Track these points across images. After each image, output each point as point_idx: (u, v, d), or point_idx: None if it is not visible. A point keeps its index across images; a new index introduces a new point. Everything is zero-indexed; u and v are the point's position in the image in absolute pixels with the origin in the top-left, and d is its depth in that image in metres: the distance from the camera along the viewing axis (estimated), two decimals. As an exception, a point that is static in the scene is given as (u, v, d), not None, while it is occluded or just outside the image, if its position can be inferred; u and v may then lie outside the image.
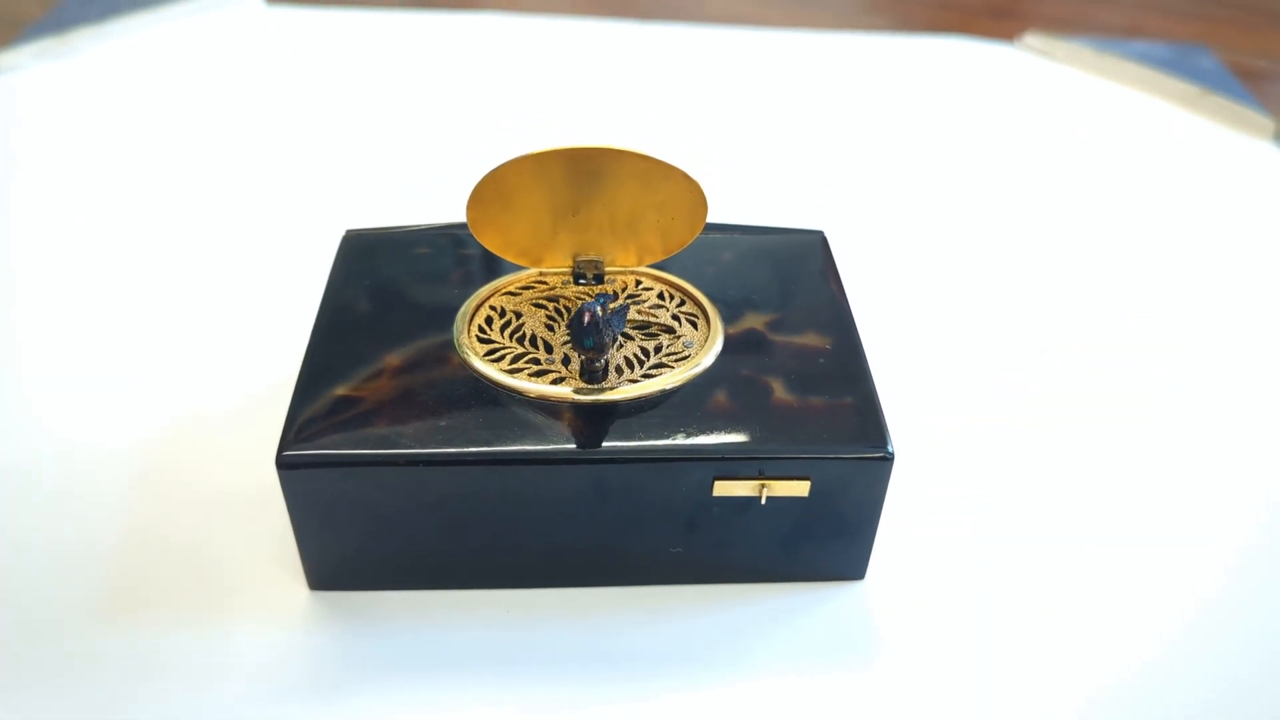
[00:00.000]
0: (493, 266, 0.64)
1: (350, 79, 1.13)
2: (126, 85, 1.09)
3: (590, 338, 0.53)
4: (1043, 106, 1.13)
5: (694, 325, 0.60)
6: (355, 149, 1.00)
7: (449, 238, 0.67)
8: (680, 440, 0.53)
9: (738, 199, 0.93)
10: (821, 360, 0.58)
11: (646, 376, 0.56)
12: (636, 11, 1.35)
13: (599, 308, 0.53)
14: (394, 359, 0.57)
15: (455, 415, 0.54)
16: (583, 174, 0.57)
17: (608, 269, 0.63)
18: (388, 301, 0.61)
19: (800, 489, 0.54)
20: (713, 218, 0.67)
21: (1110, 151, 1.05)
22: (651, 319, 0.60)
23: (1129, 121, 1.11)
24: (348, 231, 0.67)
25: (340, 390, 0.55)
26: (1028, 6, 1.44)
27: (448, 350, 0.58)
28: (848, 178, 0.99)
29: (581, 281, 0.62)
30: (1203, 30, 1.37)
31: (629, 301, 0.61)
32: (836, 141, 1.05)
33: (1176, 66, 1.21)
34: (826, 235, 0.69)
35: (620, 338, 0.59)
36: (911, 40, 1.27)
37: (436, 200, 0.83)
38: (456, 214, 0.64)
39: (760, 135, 1.05)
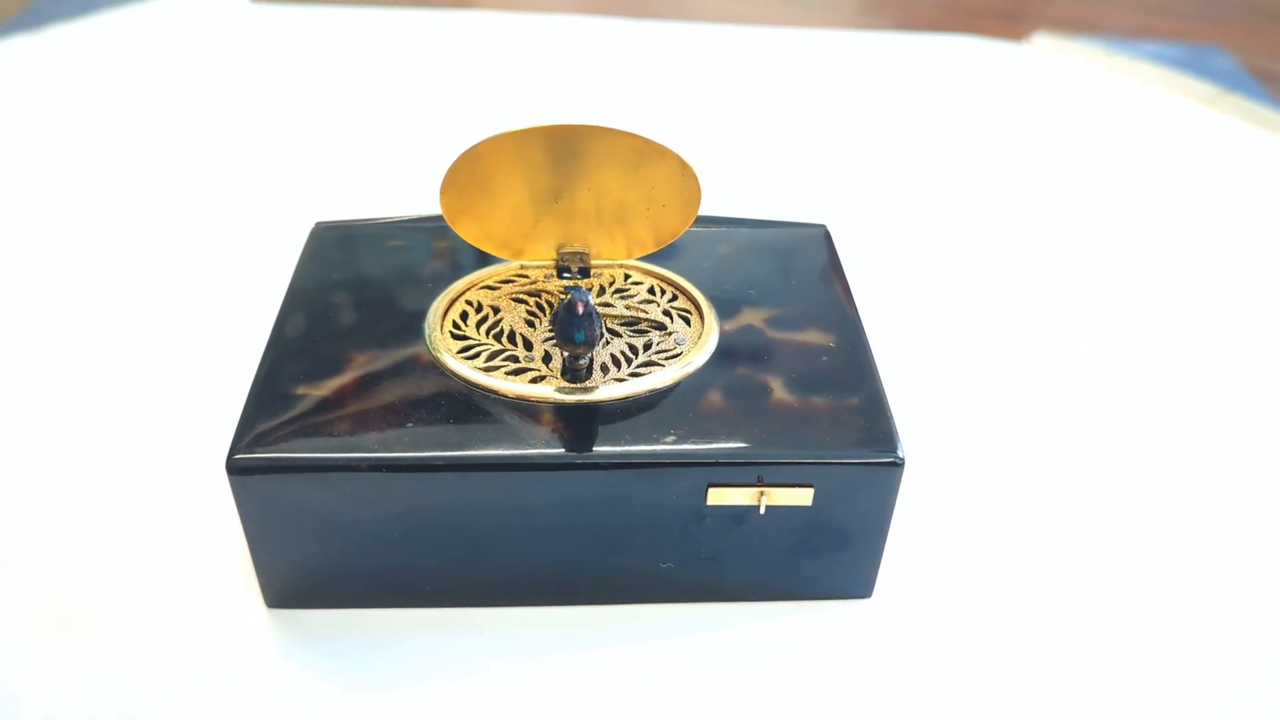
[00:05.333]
0: (470, 260, 0.59)
1: (334, 76, 1.09)
2: (102, 81, 1.06)
3: (583, 330, 0.49)
4: (1053, 104, 1.09)
5: (686, 321, 0.56)
6: (334, 144, 0.96)
7: (424, 230, 0.62)
8: (671, 444, 0.49)
9: (738, 196, 0.89)
10: (824, 359, 0.54)
11: (634, 375, 0.52)
12: (635, 10, 1.32)
13: (590, 297, 0.49)
14: (360, 356, 0.53)
15: (424, 417, 0.49)
16: (565, 156, 0.52)
17: (594, 262, 0.58)
18: (357, 296, 0.57)
19: (803, 497, 0.49)
20: (711, 213, 0.63)
21: (1123, 149, 1.00)
22: (641, 315, 0.56)
23: (1143, 119, 1.06)
24: (318, 223, 0.63)
25: (300, 389, 0.51)
26: (1035, 9, 1.40)
27: (418, 347, 0.53)
28: (851, 175, 0.95)
29: (566, 275, 0.58)
30: (1214, 33, 1.33)
31: (616, 297, 0.57)
32: (839, 139, 1.00)
33: (1191, 67, 1.17)
34: (830, 230, 0.65)
35: (606, 334, 0.54)
36: (917, 38, 1.23)
37: (416, 195, 0.79)
38: (434, 208, 0.59)
39: (761, 133, 1.01)
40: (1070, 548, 0.58)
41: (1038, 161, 0.98)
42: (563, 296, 0.56)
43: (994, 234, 0.87)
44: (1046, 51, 1.21)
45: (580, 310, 0.48)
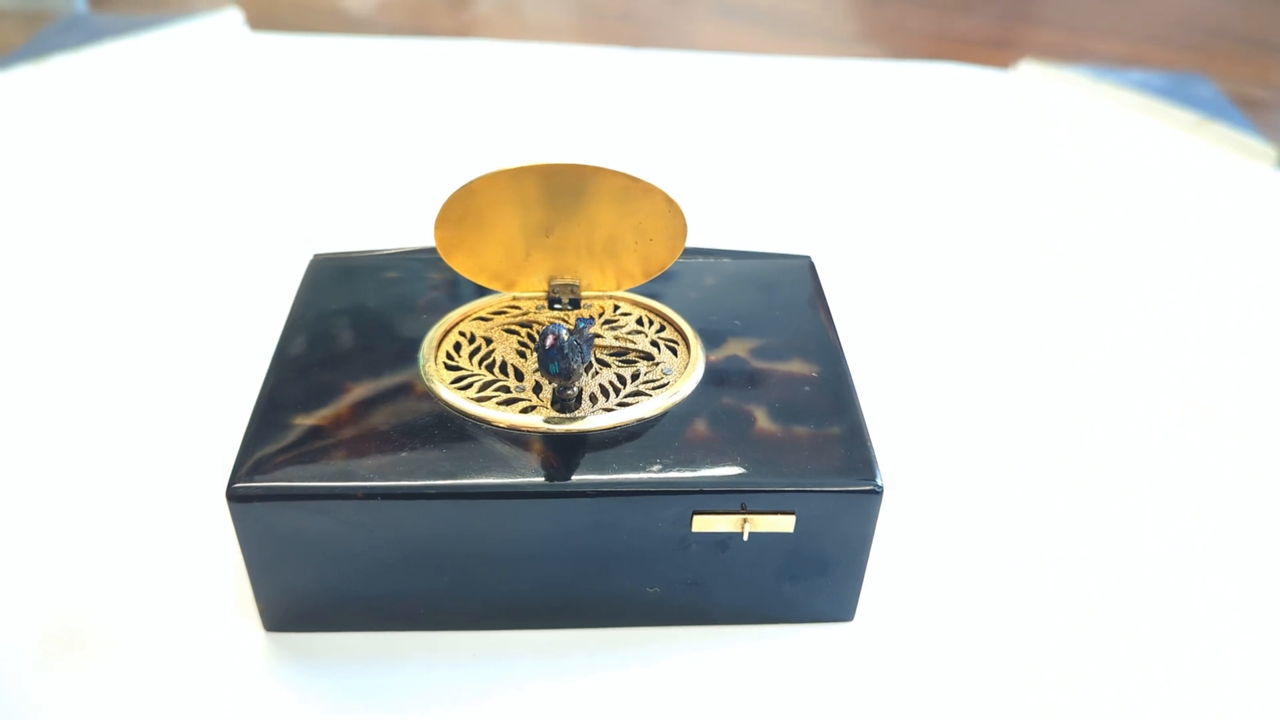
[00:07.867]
0: (464, 291, 0.61)
1: (333, 105, 1.11)
2: (104, 111, 1.07)
3: (555, 363, 0.50)
4: (1039, 131, 1.11)
5: (674, 352, 0.57)
6: (334, 173, 0.98)
7: (420, 262, 0.64)
8: (657, 472, 0.50)
9: (727, 225, 0.91)
10: (807, 388, 0.55)
11: (622, 405, 0.53)
12: (630, 39, 1.34)
13: (564, 331, 0.50)
14: (356, 387, 0.54)
15: (418, 446, 0.51)
16: (557, 193, 0.54)
17: (584, 293, 0.60)
18: (353, 327, 0.59)
19: (785, 524, 0.51)
20: (701, 243, 0.65)
21: (1107, 176, 1.02)
22: (629, 345, 0.58)
23: (1127, 147, 1.08)
24: (316, 255, 0.65)
25: (298, 420, 0.52)
26: (1024, 37, 1.43)
27: (413, 378, 0.55)
28: (839, 204, 0.96)
29: (557, 306, 0.59)
30: (1200, 60, 1.35)
31: (605, 328, 0.58)
32: (828, 167, 1.02)
33: (1174, 95, 1.19)
34: (815, 261, 0.66)
35: (595, 364, 0.56)
36: (906, 66, 1.25)
37: (415, 226, 0.80)
38: (430, 240, 0.61)
39: (751, 161, 1.03)
40: (1048, 571, 0.60)
41: (1024, 188, 1.00)
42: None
43: (979, 261, 0.89)
44: (1033, 79, 1.23)
45: (549, 343, 0.50)
